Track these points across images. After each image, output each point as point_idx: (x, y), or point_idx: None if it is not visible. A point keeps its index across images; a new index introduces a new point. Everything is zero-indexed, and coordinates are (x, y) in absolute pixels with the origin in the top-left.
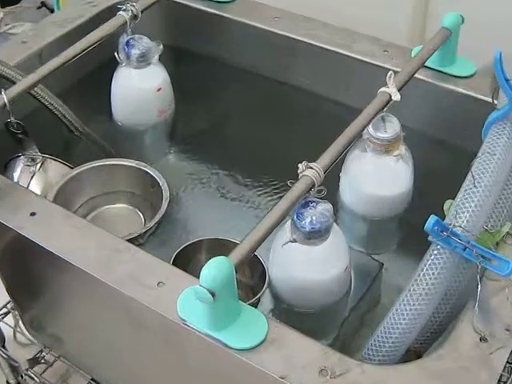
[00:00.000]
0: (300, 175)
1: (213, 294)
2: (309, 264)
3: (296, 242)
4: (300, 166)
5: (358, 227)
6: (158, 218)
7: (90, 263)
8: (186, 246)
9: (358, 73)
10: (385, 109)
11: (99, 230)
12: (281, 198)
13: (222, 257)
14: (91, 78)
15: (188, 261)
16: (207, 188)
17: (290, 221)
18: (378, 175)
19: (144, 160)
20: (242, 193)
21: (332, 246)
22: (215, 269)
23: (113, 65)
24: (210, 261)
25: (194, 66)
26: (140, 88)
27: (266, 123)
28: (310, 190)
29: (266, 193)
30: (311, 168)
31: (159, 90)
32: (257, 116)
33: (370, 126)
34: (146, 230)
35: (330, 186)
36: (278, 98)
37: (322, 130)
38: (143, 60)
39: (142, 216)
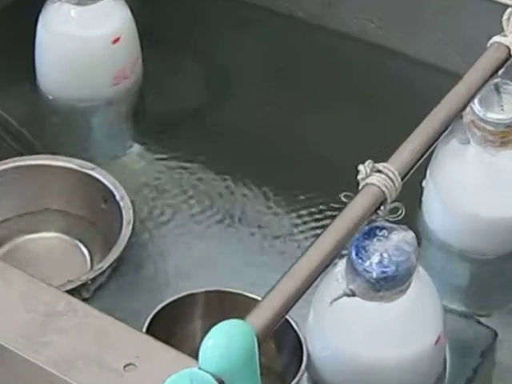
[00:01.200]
0: (361, 184)
1: (221, 383)
2: (376, 333)
3: (355, 295)
4: (362, 168)
5: (455, 271)
6: (114, 254)
7: (13, 334)
8: (167, 304)
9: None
10: (500, 72)
11: (21, 274)
12: (324, 225)
13: (235, 320)
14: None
15: (172, 327)
16: (196, 206)
17: (344, 261)
18: (490, 184)
19: (90, 159)
20: (257, 215)
21: (415, 302)
22: (225, 340)
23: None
24: (218, 326)
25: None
26: (84, 38)
27: (291, 94)
28: (379, 207)
29: (298, 216)
30: (380, 171)
31: (116, 40)
32: (275, 82)
33: (475, 100)
34: (96, 276)
35: (405, 202)
36: (308, 49)
37: (393, 104)
38: None
39: (86, 251)
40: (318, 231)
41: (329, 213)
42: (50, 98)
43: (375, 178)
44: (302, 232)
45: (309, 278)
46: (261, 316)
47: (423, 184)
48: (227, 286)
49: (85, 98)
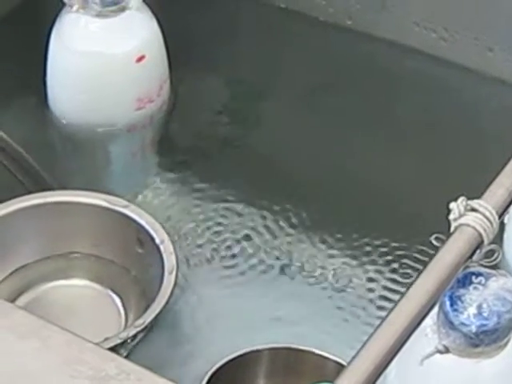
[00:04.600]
0: (453, 224)
1: None
2: None
3: (448, 352)
4: (454, 206)
5: None
6: (157, 308)
7: None
8: (226, 362)
9: None
10: None
11: (60, 332)
12: (407, 276)
13: None
14: (6, 29)
15: None
16: (245, 248)
17: (433, 313)
18: None
19: (118, 193)
20: (314, 263)
21: None
22: None
23: (51, 7)
24: None
25: (209, 9)
26: (104, 55)
27: (338, 117)
28: (475, 251)
29: (373, 262)
30: (475, 210)
31: (141, 59)
32: (319, 103)
33: None
34: (137, 332)
35: None
36: (358, 62)
37: (466, 128)
38: (113, 1)
39: (119, 302)
40: (396, 283)
41: (408, 258)
42: (64, 122)
43: (470, 218)
44: (380, 285)
45: (401, 337)
46: (351, 380)
47: (505, 220)
48: (288, 342)
49: (103, 123)
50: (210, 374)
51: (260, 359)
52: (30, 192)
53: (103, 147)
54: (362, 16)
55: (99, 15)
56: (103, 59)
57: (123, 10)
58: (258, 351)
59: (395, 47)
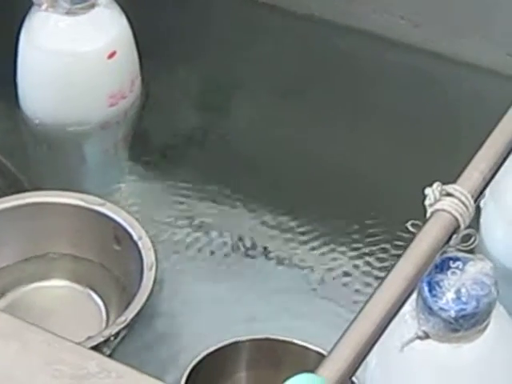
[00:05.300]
0: (429, 210)
1: None
2: (453, 379)
3: (428, 337)
4: (429, 191)
5: None
6: (138, 304)
7: None
8: (208, 354)
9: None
10: None
11: (39, 333)
12: (385, 262)
13: (308, 374)
14: None
15: (214, 380)
16: (219, 240)
17: (412, 299)
18: None
19: (94, 191)
20: (298, 255)
21: (497, 341)
22: None
23: (20, 7)
24: (291, 381)
25: (179, 3)
26: (75, 53)
27: (311, 109)
28: (451, 236)
29: (351, 249)
30: (450, 195)
31: (112, 55)
32: (292, 96)
33: None
34: (119, 330)
35: None
36: (329, 54)
37: (439, 115)
38: None
39: (99, 300)
40: (372, 271)
41: (382, 246)
42: (36, 122)
43: (446, 203)
44: (351, 270)
45: (380, 324)
46: (333, 368)
47: (481, 204)
48: (265, 333)
49: (77, 122)
50: (191, 367)
51: (241, 351)
52: (4, 194)
53: (77, 146)
54: (332, 6)
55: (68, 13)
56: (74, 57)
57: (92, 6)
58: (238, 343)
59: (365, 36)
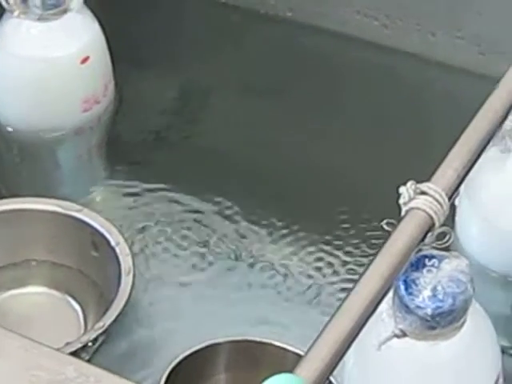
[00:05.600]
0: (404, 209)
1: None
2: (431, 376)
3: (405, 336)
4: (404, 189)
5: (498, 299)
6: (116, 309)
7: None
8: (186, 357)
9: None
10: None
11: (16, 338)
12: (361, 262)
13: (286, 375)
14: None
15: (193, 382)
16: (196, 244)
17: (389, 297)
18: None
19: (70, 198)
20: (273, 256)
21: (473, 338)
22: None
23: None
24: (268, 382)
25: (150, 8)
26: (48, 59)
27: (286, 111)
28: (426, 234)
29: (326, 250)
30: (425, 193)
31: (85, 60)
32: (267, 99)
33: None
34: (97, 335)
35: None
36: (302, 55)
37: (412, 114)
38: (54, 4)
39: (78, 307)
40: (348, 271)
41: (357, 246)
42: (10, 130)
43: (420, 202)
44: (327, 270)
45: (357, 323)
46: (311, 368)
47: (456, 202)
48: (245, 335)
49: (51, 128)
50: (169, 369)
51: (219, 352)
52: None
53: (52, 152)
54: (302, 7)
55: (40, 19)
56: (47, 63)
57: (64, 12)
58: (216, 345)
59: (338, 37)
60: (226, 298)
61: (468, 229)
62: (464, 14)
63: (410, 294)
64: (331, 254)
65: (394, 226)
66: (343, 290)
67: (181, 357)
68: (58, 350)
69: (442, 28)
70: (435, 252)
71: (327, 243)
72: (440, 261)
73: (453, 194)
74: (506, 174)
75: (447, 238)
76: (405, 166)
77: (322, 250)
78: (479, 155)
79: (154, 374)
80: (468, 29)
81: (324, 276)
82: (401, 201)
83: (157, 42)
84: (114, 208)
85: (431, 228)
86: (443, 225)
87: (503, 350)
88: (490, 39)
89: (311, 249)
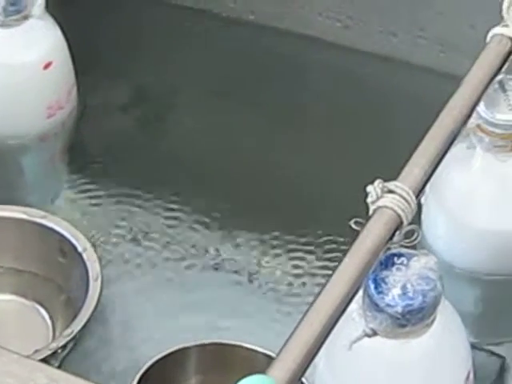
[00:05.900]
0: (372, 207)
1: None
2: (402, 374)
3: (376, 334)
4: (371, 189)
5: (463, 295)
6: (85, 316)
7: None
8: (155, 362)
9: None
10: (504, 67)
11: None
12: (330, 262)
13: (259, 376)
14: None
15: None
16: (165, 250)
17: (358, 297)
18: (501, 195)
19: (35, 204)
20: (246, 261)
21: (443, 335)
22: None
23: None
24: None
25: (111, 13)
26: (10, 65)
27: (253, 116)
28: (394, 233)
29: (295, 251)
30: (392, 192)
31: (48, 65)
32: (234, 103)
33: (480, 102)
34: (66, 342)
35: None
36: (268, 58)
37: (380, 113)
38: (15, 10)
39: (45, 313)
40: (318, 272)
41: (326, 246)
42: None
43: (388, 200)
44: (296, 271)
45: (328, 323)
46: (283, 369)
47: (422, 200)
48: (215, 338)
49: (15, 135)
50: (139, 374)
51: (189, 356)
52: None
53: (16, 159)
54: (264, 10)
55: (2, 25)
56: (9, 69)
57: (26, 18)
58: (185, 348)
59: (300, 39)
60: (196, 301)
61: (434, 227)
62: (425, 13)
63: (380, 292)
64: (299, 256)
65: (362, 225)
66: (312, 293)
67: (151, 362)
68: (26, 356)
69: (403, 28)
70: (404, 250)
71: (295, 244)
72: (409, 259)
73: (420, 191)
74: (470, 172)
75: (415, 235)
76: (371, 166)
77: (290, 252)
78: (445, 153)
79: (125, 379)
80: (429, 28)
81: (296, 280)
82: (368, 199)
83: (119, 46)
84: (80, 214)
85: (399, 226)
86: (411, 223)
87: (472, 346)
88: (452, 38)
89: (279, 251)
